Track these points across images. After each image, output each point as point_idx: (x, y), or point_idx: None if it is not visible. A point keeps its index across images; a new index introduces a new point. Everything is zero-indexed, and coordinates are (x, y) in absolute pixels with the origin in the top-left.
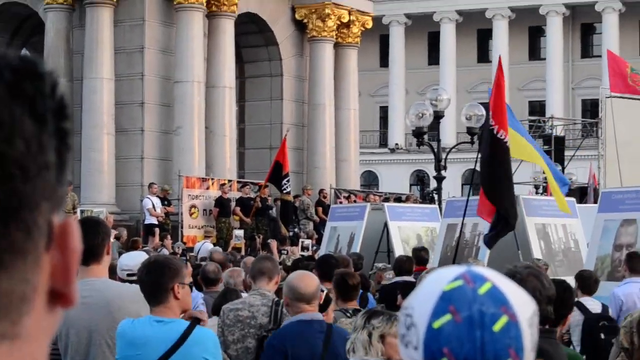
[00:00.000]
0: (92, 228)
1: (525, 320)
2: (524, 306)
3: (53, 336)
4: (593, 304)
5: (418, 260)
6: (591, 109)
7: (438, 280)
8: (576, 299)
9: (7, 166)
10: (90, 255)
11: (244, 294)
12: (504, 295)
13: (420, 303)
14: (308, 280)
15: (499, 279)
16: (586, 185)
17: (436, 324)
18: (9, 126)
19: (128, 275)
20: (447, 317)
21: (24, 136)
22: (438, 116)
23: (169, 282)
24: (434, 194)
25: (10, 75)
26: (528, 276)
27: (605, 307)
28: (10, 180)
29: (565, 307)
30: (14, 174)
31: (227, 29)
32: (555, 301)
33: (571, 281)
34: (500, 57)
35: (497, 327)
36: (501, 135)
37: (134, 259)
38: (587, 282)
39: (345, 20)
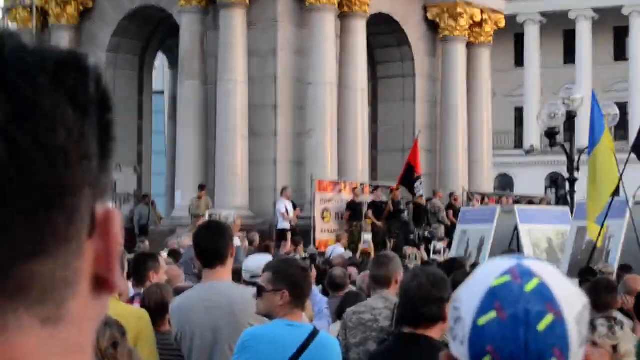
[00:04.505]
0: (217, 231)
1: (572, 318)
2: (572, 303)
3: (175, 333)
4: None
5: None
6: None
7: (487, 274)
8: None
9: (49, 153)
10: (216, 258)
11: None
12: (551, 292)
13: (468, 297)
14: None
15: (549, 275)
16: None
17: (481, 321)
18: (51, 115)
19: (252, 277)
20: (492, 315)
21: (65, 125)
22: (571, 116)
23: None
24: (568, 197)
25: (53, 67)
26: None
27: None
28: (52, 166)
29: None
30: (55, 160)
31: (360, 29)
32: None
33: None
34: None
35: (542, 326)
36: None
37: (258, 262)
38: None
39: (477, 19)
